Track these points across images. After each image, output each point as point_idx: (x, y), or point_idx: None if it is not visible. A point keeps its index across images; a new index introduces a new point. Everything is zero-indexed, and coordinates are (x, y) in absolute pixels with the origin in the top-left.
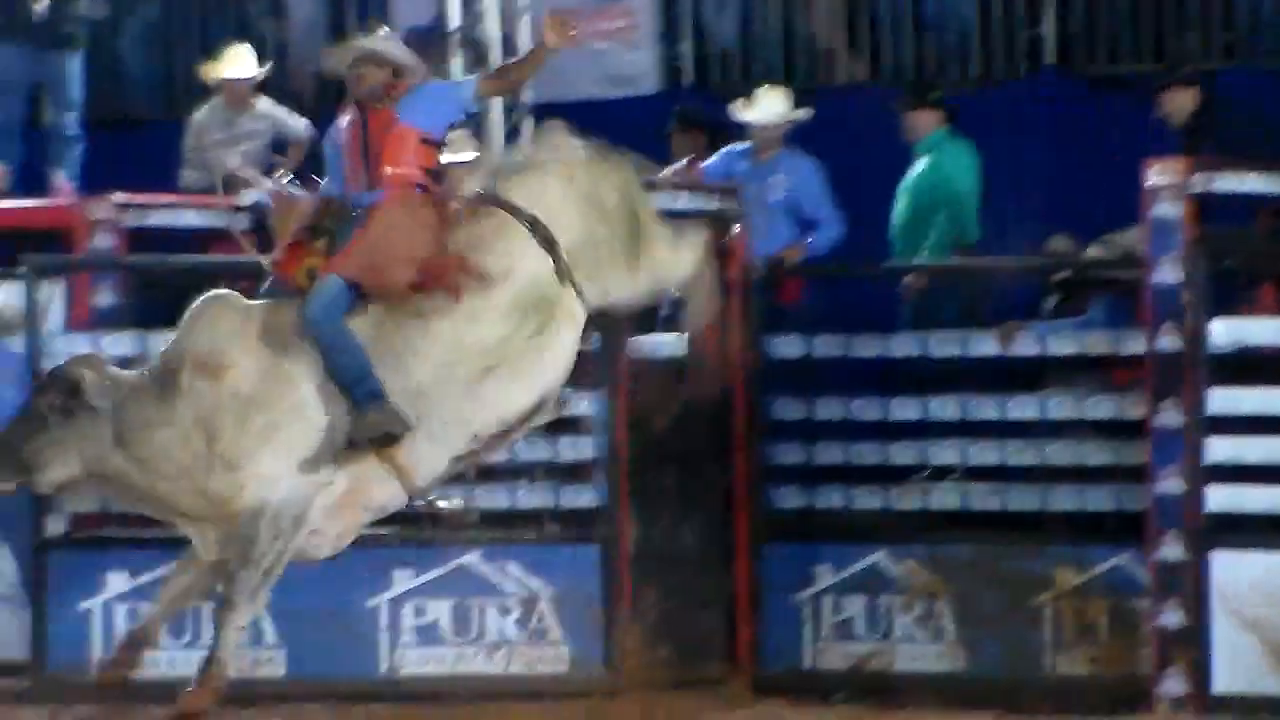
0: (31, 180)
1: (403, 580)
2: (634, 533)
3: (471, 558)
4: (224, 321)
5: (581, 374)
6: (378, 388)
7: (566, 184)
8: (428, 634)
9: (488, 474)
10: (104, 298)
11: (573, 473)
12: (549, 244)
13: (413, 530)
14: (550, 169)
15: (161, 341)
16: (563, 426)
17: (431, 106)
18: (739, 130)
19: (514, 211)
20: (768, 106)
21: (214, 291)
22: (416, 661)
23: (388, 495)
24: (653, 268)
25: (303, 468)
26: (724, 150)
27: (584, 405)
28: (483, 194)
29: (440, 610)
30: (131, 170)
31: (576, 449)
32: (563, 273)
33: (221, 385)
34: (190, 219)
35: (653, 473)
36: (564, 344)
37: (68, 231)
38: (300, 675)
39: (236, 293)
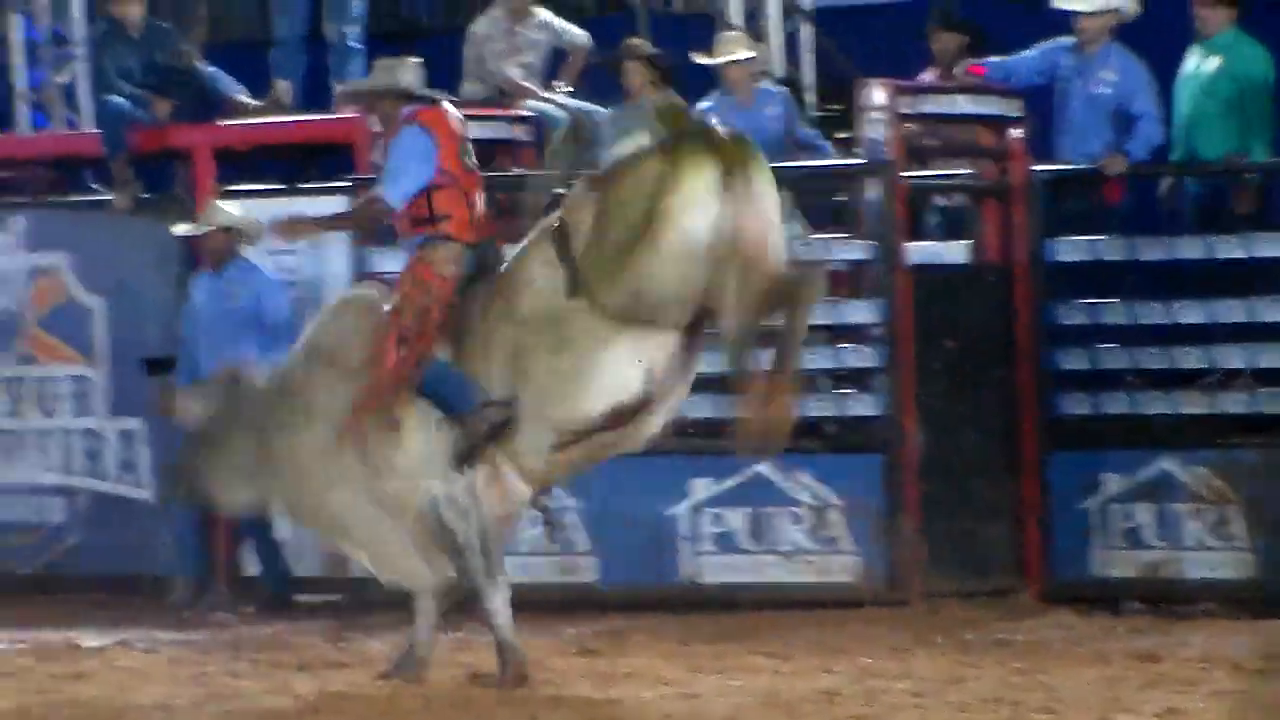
0: (315, 94)
1: (701, 489)
2: (917, 441)
3: (765, 467)
4: (362, 319)
5: (861, 282)
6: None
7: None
8: (725, 542)
9: None
10: None
11: (856, 380)
12: (565, 256)
13: (710, 440)
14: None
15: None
16: (845, 335)
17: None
18: (1009, 34)
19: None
20: None
21: (354, 290)
22: (715, 569)
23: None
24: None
25: (450, 459)
26: (1048, 44)
27: (864, 313)
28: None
29: (737, 519)
30: None
31: (859, 357)
32: (577, 285)
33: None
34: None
35: (936, 381)
36: (592, 360)
37: (350, 145)
38: (610, 581)
39: (374, 291)
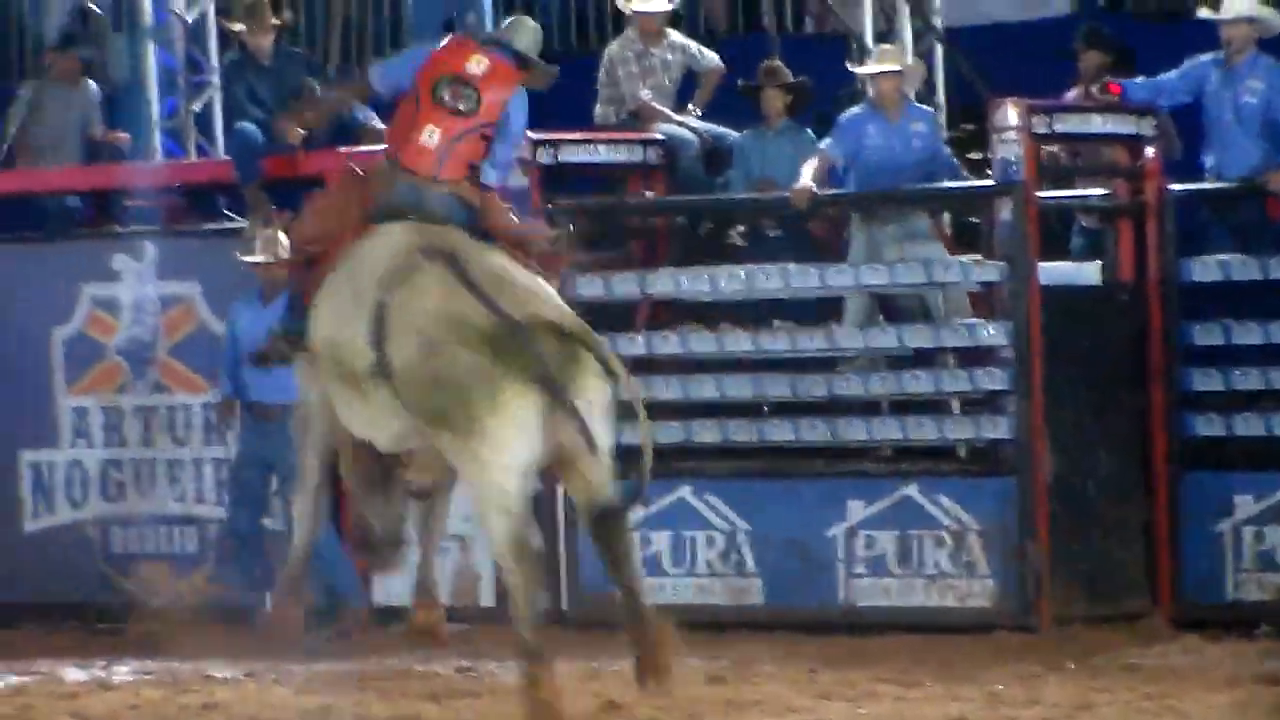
0: None
1: (855, 511)
2: (1049, 464)
3: (911, 489)
4: None
5: (993, 304)
6: None
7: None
8: (877, 565)
9: (913, 407)
10: None
11: (988, 403)
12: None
13: (859, 463)
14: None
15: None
16: (977, 357)
17: None
18: (1150, 51)
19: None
20: (1237, 4)
21: None
22: (868, 592)
23: None
24: None
25: None
26: (1194, 60)
27: (996, 335)
28: None
29: (887, 542)
30: (544, 106)
31: (990, 379)
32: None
33: None
34: (603, 154)
35: (1067, 403)
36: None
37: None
38: (775, 603)
39: None
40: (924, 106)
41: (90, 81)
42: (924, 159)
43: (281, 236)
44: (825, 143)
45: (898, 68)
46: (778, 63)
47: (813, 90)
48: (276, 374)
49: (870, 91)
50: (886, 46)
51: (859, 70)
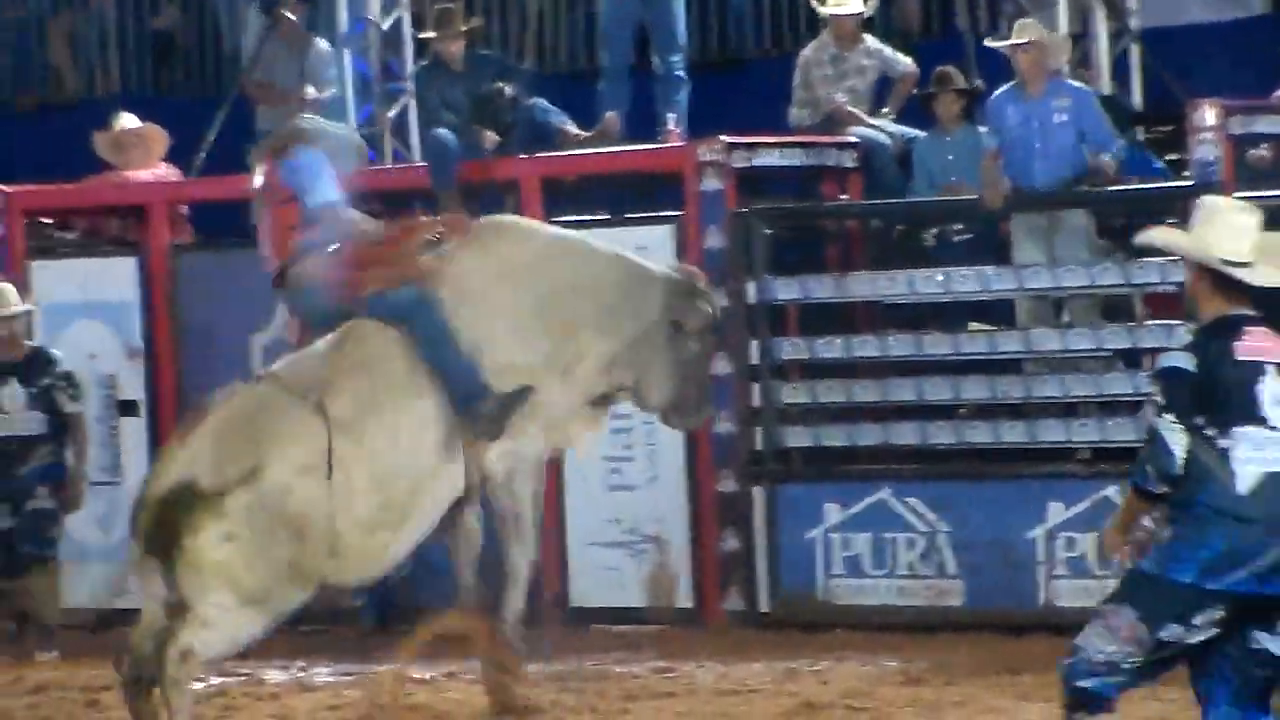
0: (641, 124)
1: (1055, 512)
2: None
3: (1111, 491)
4: None
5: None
6: None
7: None
8: (1077, 565)
9: (1114, 407)
10: (712, 240)
11: None
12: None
13: (1058, 464)
14: None
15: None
16: None
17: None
18: None
19: None
20: None
21: None
22: (1068, 593)
23: None
24: None
25: None
26: None
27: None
28: None
29: (1087, 543)
30: (738, 110)
31: None
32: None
33: None
34: (798, 158)
35: None
36: None
37: (677, 174)
38: (975, 605)
39: None
40: (1076, 83)
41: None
42: (1069, 138)
43: None
44: (985, 133)
45: (1030, 39)
46: (951, 68)
47: (986, 94)
48: None
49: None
50: (1026, 20)
51: (994, 45)
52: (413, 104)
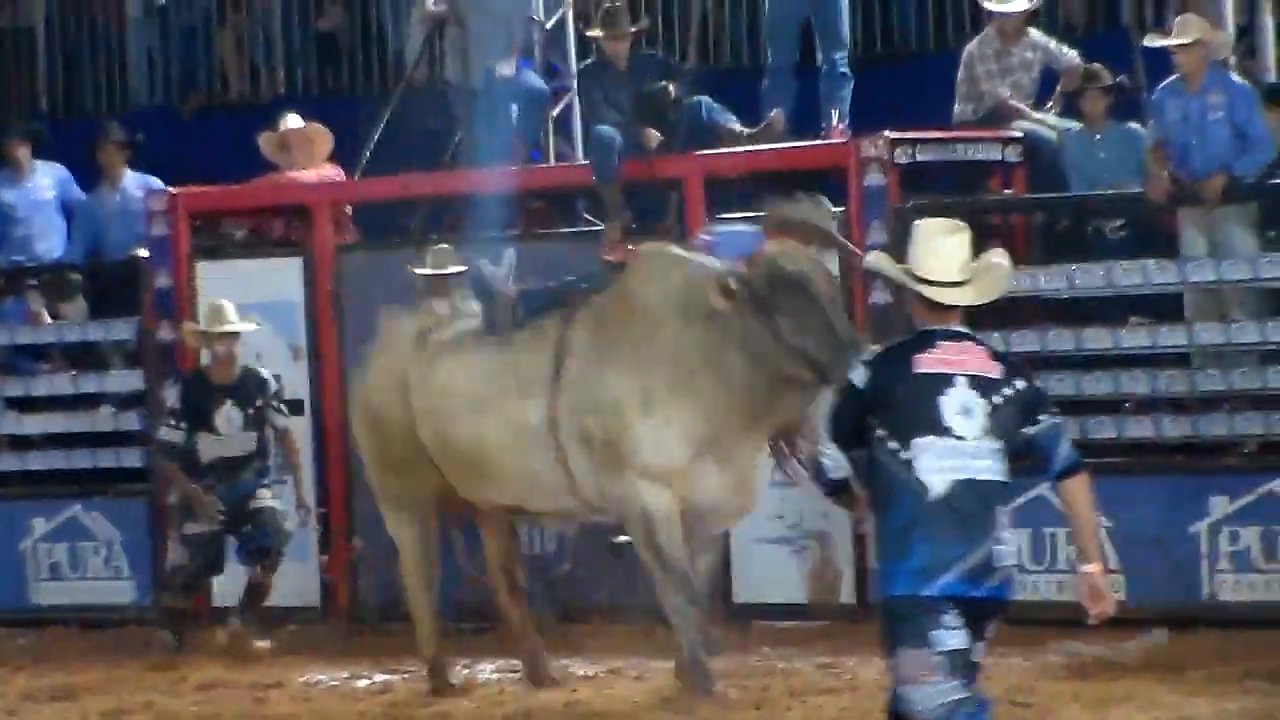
0: (805, 120)
1: (1219, 506)
2: None
3: (1275, 485)
4: None
5: None
6: None
7: None
8: (1241, 560)
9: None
10: (875, 236)
11: None
12: None
13: (1221, 458)
14: None
15: None
16: None
17: None
18: None
19: None
20: None
21: None
22: (1232, 587)
23: None
24: None
25: None
26: None
27: None
28: None
29: (1251, 537)
30: (902, 106)
31: None
32: None
33: None
34: (962, 152)
35: None
36: None
37: (840, 170)
38: (1138, 599)
39: None
40: (1236, 79)
41: None
42: (1225, 133)
43: (449, 249)
44: (1149, 126)
45: (1192, 39)
46: (1098, 65)
47: (1131, 89)
48: None
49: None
50: (1187, 16)
51: (1156, 43)
52: (576, 102)
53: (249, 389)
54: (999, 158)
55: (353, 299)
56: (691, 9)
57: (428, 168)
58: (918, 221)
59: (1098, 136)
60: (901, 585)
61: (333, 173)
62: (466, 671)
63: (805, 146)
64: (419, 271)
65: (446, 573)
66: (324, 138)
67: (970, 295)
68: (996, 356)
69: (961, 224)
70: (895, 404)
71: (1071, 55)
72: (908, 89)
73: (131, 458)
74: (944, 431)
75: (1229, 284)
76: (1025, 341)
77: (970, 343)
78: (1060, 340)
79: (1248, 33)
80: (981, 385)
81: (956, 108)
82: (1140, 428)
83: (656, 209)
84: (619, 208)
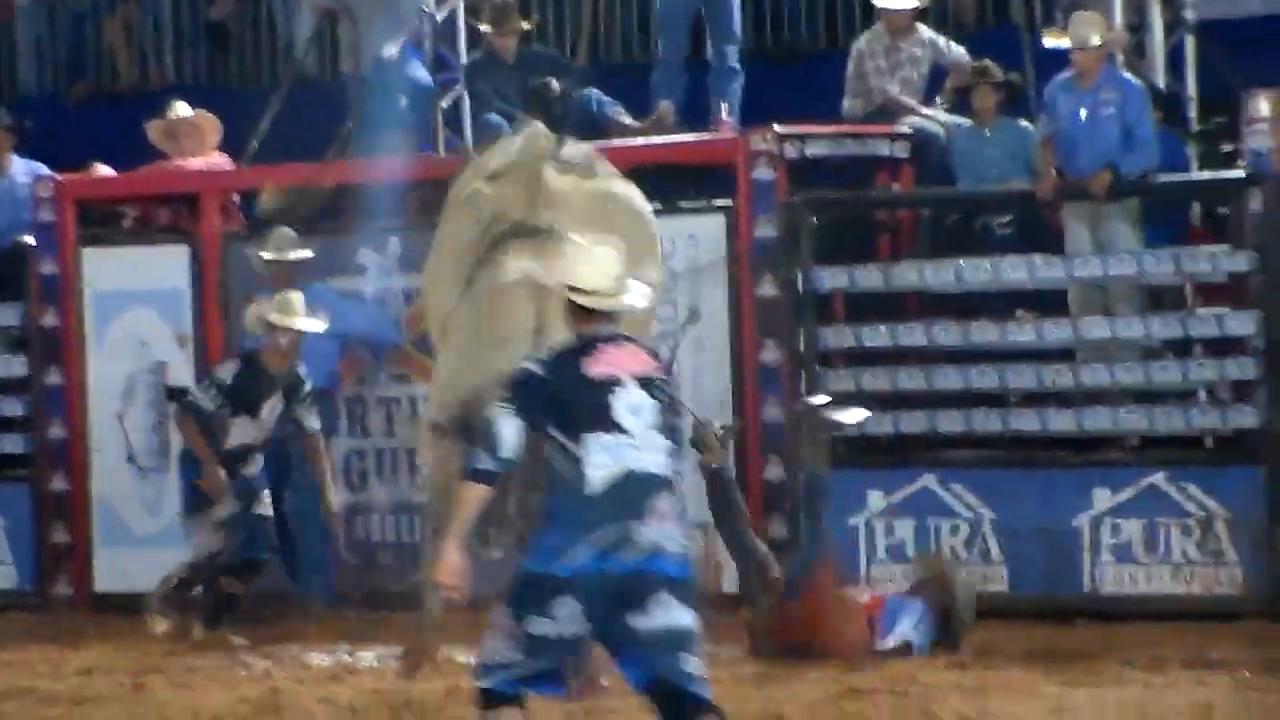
0: (695, 114)
1: (1102, 499)
2: None
3: (1158, 478)
4: None
5: (1243, 294)
6: None
7: None
8: (1123, 552)
9: (1162, 396)
10: (763, 230)
11: (1236, 392)
12: None
13: (1105, 452)
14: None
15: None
16: (1225, 347)
17: None
18: None
19: None
20: None
21: None
22: (1113, 579)
23: None
24: None
25: None
26: None
27: (1245, 325)
28: None
29: (1133, 529)
30: (791, 101)
31: (1240, 369)
32: None
33: None
34: (851, 148)
35: None
36: None
37: (729, 164)
38: (1020, 591)
39: None
40: (1130, 78)
41: None
42: (1114, 131)
43: (292, 234)
44: (1040, 123)
45: (1096, 42)
46: (988, 61)
47: (1022, 87)
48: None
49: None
50: (1085, 14)
51: (1049, 43)
52: (466, 94)
53: (293, 385)
54: (888, 153)
55: (239, 288)
56: (583, 5)
57: (316, 158)
58: (569, 240)
59: (986, 132)
60: (540, 563)
61: (221, 162)
62: (349, 657)
63: (694, 140)
64: (262, 256)
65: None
66: (212, 126)
67: (621, 303)
68: (652, 354)
69: (610, 239)
70: (567, 404)
71: (960, 51)
72: (797, 84)
73: (14, 444)
74: (613, 428)
75: (1114, 280)
76: (913, 335)
77: (629, 344)
78: (947, 335)
79: (1136, 31)
80: (646, 385)
81: (846, 103)
82: (1025, 421)
83: None
84: None
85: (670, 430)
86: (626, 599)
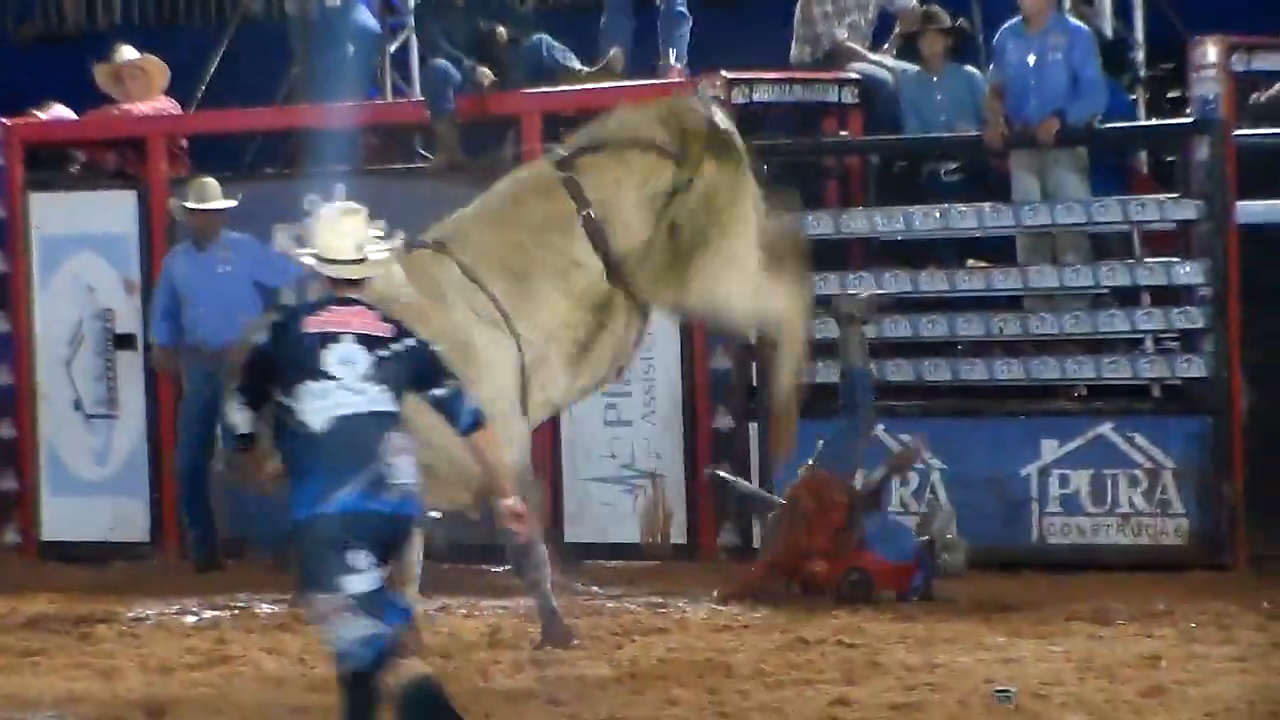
0: (643, 60)
1: (1049, 450)
2: (1244, 402)
3: (1105, 428)
4: None
5: (1190, 243)
6: None
7: (643, 180)
8: (1070, 503)
9: (1110, 345)
10: None
11: (1183, 342)
12: (601, 243)
13: (1053, 402)
14: (633, 160)
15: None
16: (1173, 296)
17: None
18: None
19: (577, 199)
20: None
21: None
22: (1060, 530)
23: None
24: (728, 300)
25: None
26: None
27: (1193, 274)
28: (559, 168)
29: (1080, 480)
30: (739, 47)
31: (1187, 318)
32: (614, 275)
33: None
34: (798, 94)
35: (1262, 341)
36: (608, 347)
37: None
38: (970, 542)
39: None
40: (1076, 23)
41: None
42: (1062, 77)
43: (215, 184)
44: (989, 70)
45: None
46: (935, 7)
47: (971, 34)
48: (219, 314)
49: None
50: None
51: None
52: (414, 39)
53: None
54: (835, 99)
55: (187, 233)
56: None
57: (263, 102)
58: (321, 207)
59: (934, 79)
60: (304, 509)
61: (168, 106)
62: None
63: (642, 85)
64: (184, 205)
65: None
66: (159, 70)
67: (363, 271)
68: (387, 320)
69: (358, 206)
70: (285, 361)
71: None
72: (746, 30)
73: None
74: (322, 376)
75: (1061, 228)
76: (861, 283)
77: (362, 308)
78: (896, 282)
79: None
80: (367, 341)
81: (793, 49)
82: (973, 371)
83: (494, 147)
84: (453, 143)
85: (397, 384)
86: (389, 542)
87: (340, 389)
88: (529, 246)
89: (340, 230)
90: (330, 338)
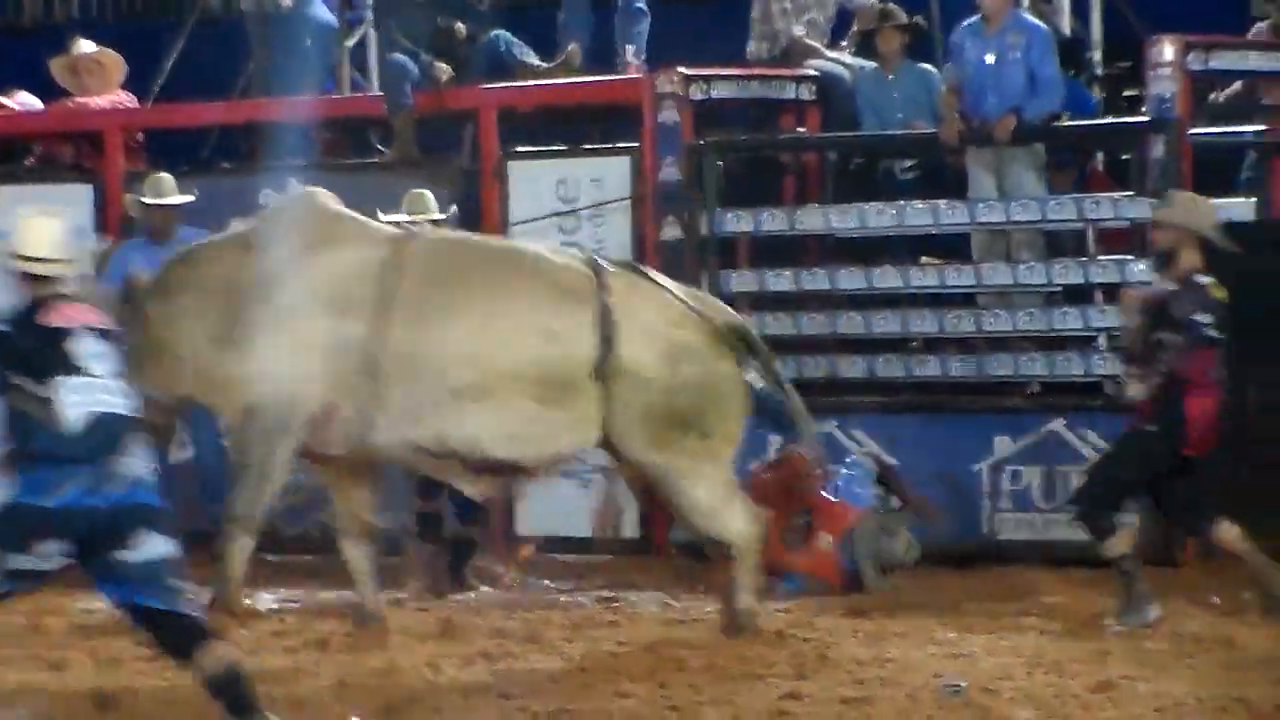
0: (601, 55)
1: (1001, 446)
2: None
3: (1058, 425)
4: None
5: (1144, 241)
6: None
7: (673, 325)
8: (1022, 499)
9: (1063, 342)
10: (668, 172)
11: None
12: (606, 342)
13: (1006, 398)
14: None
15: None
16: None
17: None
18: None
19: (603, 290)
20: None
21: None
22: (1013, 526)
23: None
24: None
25: None
26: None
27: (1145, 272)
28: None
29: (1032, 476)
30: (697, 44)
31: None
32: (600, 374)
33: None
34: (756, 90)
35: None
36: (562, 435)
37: (634, 106)
38: (921, 538)
39: None
40: (1034, 21)
41: None
42: (1020, 76)
43: (171, 179)
44: (946, 68)
45: None
46: (892, 5)
47: (927, 32)
48: None
49: None
50: None
51: None
52: (372, 34)
53: None
54: (793, 96)
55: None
56: None
57: (221, 97)
58: (24, 214)
59: (891, 76)
60: (29, 495)
61: (125, 99)
62: (248, 600)
63: (600, 81)
64: (141, 200)
65: None
66: (116, 64)
67: (69, 270)
68: (99, 312)
69: (55, 210)
70: (34, 352)
71: None
72: (704, 27)
73: None
74: (78, 371)
75: (1017, 226)
76: (816, 280)
77: (81, 305)
78: (850, 279)
79: None
80: (103, 335)
81: (751, 45)
82: (927, 367)
83: (449, 144)
84: (410, 138)
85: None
86: (112, 534)
87: (96, 385)
88: None
89: (39, 229)
90: (72, 331)
